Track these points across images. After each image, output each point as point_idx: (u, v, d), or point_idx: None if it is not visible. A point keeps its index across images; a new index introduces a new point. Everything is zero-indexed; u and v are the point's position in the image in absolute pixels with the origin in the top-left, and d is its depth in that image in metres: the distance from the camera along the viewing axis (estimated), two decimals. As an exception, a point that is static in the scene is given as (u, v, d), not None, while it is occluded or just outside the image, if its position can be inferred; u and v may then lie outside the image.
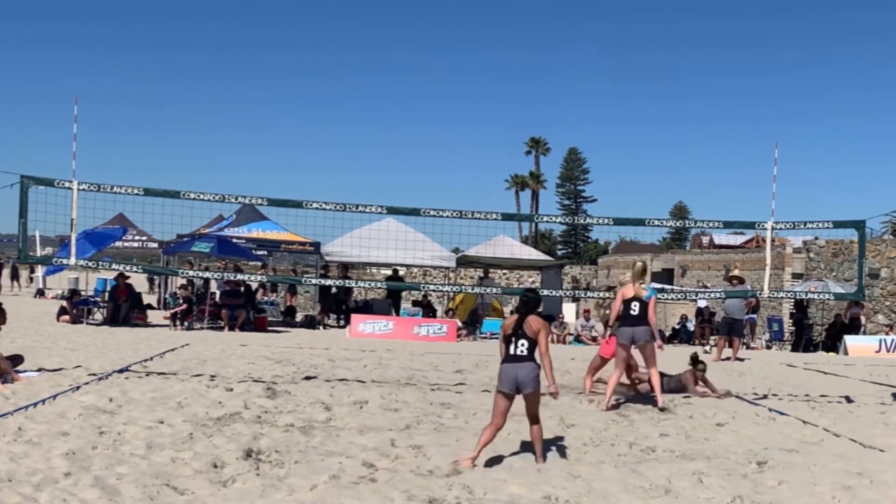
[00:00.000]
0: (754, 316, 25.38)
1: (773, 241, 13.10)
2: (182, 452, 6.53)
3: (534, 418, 6.78)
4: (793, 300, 24.82)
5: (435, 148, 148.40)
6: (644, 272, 10.23)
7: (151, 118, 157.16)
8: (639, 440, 7.80)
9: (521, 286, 50.25)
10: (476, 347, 18.33)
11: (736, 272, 19.48)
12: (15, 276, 37.07)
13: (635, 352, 10.14)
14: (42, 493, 5.22)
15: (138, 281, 27.93)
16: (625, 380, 10.60)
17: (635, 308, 9.81)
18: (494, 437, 6.72)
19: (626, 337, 9.81)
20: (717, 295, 16.99)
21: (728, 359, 17.06)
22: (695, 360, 11.25)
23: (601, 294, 17.37)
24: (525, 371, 6.59)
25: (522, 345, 6.65)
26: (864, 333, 22.74)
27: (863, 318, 23.27)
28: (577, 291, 24.67)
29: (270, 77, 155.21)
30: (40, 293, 31.83)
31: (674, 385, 11.01)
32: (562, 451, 7.20)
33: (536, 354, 6.66)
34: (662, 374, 11.15)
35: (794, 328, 24.59)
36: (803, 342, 23.14)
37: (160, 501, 5.28)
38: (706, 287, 33.45)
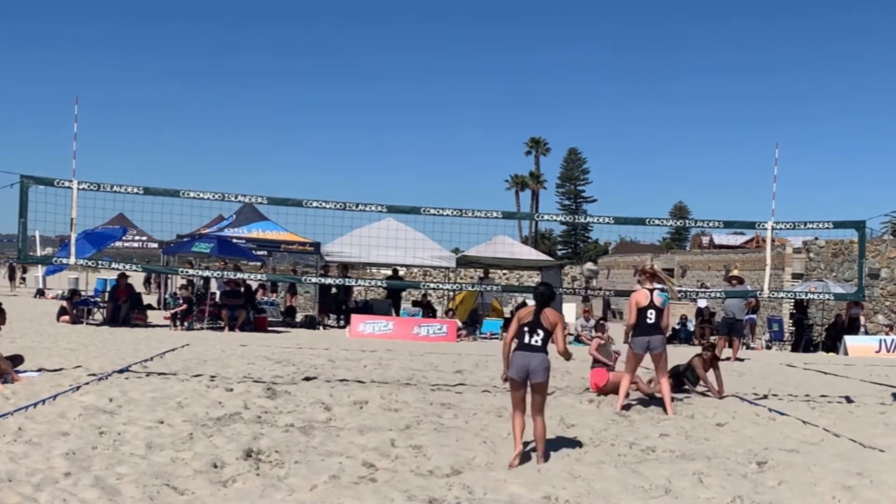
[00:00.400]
0: (754, 316, 25.38)
1: (773, 241, 13.08)
2: (182, 452, 6.52)
3: (539, 412, 6.85)
4: (793, 300, 24.83)
5: (435, 148, 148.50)
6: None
7: (152, 118, 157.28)
8: (639, 440, 7.80)
9: (521, 286, 50.23)
10: (476, 347, 18.33)
11: (735, 272, 19.52)
12: (11, 276, 36.98)
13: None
14: (42, 493, 5.22)
15: (135, 281, 27.97)
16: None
17: (651, 316, 9.73)
18: (524, 420, 6.85)
19: (641, 346, 9.73)
20: (717, 294, 16.99)
21: (728, 359, 17.07)
22: (707, 347, 11.32)
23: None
24: (537, 360, 6.78)
25: (538, 334, 6.86)
26: (866, 333, 22.76)
27: (862, 319, 23.28)
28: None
29: (270, 79, 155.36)
30: (40, 293, 31.82)
31: (685, 370, 11.05)
32: (562, 452, 7.19)
33: (550, 347, 6.85)
34: (676, 367, 11.20)
35: (794, 328, 24.58)
36: (803, 342, 23.14)
37: (160, 501, 5.28)
38: (706, 287, 33.42)
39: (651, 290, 9.84)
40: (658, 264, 48.04)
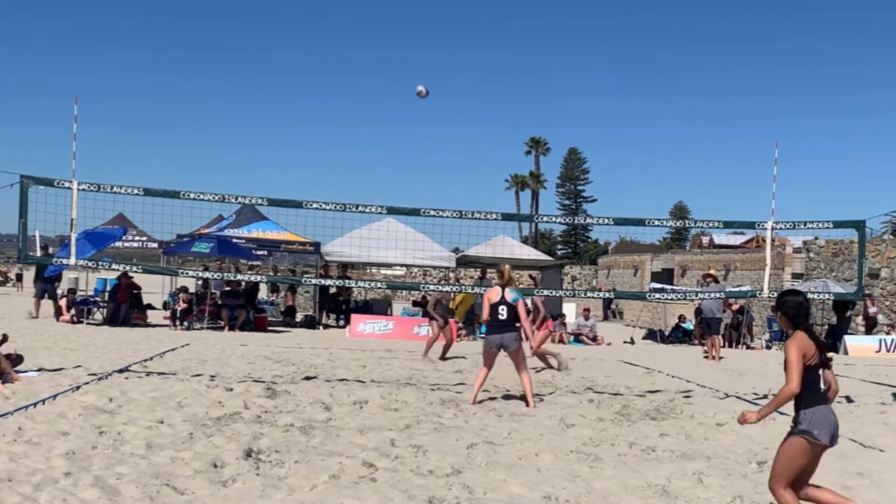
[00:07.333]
0: (752, 316, 25.42)
1: (773, 240, 13.09)
2: (182, 452, 6.52)
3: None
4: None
5: (435, 147, 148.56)
6: (514, 277, 10.11)
7: (152, 117, 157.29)
8: (639, 440, 7.80)
9: (521, 286, 50.21)
10: (476, 347, 18.29)
11: (711, 271, 19.57)
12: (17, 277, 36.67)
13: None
14: (42, 493, 5.22)
15: (154, 281, 27.95)
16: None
17: (503, 312, 9.66)
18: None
19: (493, 344, 9.72)
20: (716, 295, 17.09)
21: (713, 357, 17.22)
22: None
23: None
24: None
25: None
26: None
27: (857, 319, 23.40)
28: (576, 291, 24.71)
29: (270, 75, 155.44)
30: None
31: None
32: (561, 451, 7.19)
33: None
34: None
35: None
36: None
37: (160, 501, 5.28)
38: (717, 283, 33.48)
39: (503, 287, 9.80)
40: (658, 264, 47.98)
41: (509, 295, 9.74)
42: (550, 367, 13.28)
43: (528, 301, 14.30)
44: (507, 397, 10.21)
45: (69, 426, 7.24)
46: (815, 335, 4.93)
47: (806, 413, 4.90)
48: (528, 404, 9.60)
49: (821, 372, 4.92)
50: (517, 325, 9.76)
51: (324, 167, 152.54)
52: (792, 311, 4.97)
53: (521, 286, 18.17)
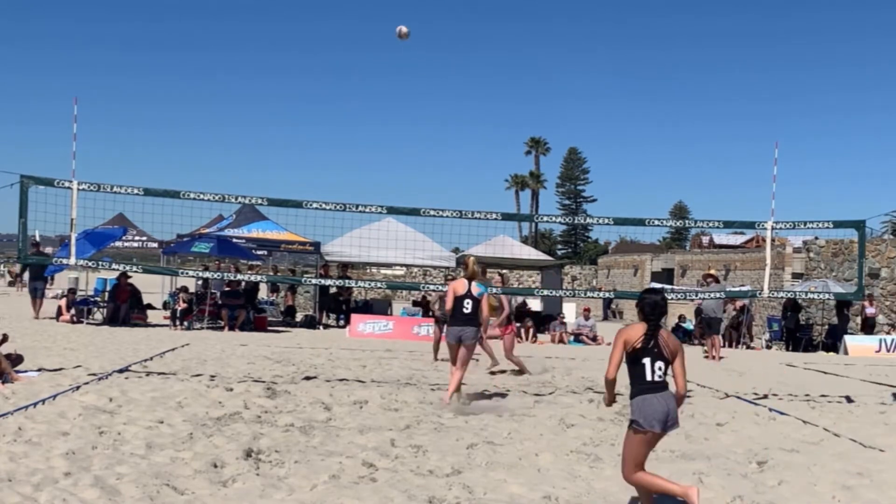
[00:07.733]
0: (752, 315, 25.44)
1: (773, 240, 13.10)
2: (182, 452, 6.52)
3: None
4: (782, 305, 24.97)
5: (435, 148, 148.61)
6: (477, 270, 10.05)
7: (152, 117, 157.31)
8: (639, 440, 7.79)
9: (521, 286, 50.29)
10: (476, 348, 18.30)
11: (712, 271, 19.60)
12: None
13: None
14: (42, 493, 5.21)
15: (154, 281, 27.91)
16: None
17: (468, 306, 9.64)
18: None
19: (452, 336, 9.69)
20: (717, 295, 17.09)
21: (712, 357, 17.21)
22: None
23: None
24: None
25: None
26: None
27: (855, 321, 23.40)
28: (576, 290, 24.69)
29: (271, 76, 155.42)
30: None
31: None
32: (561, 451, 7.18)
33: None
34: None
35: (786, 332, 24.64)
36: (802, 343, 23.16)
37: (160, 501, 5.28)
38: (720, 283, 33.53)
39: (469, 280, 9.74)
40: (658, 264, 47.96)
41: (476, 289, 9.73)
42: (522, 372, 12.80)
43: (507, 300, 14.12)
44: (506, 397, 10.21)
45: (69, 426, 7.24)
46: (654, 330, 5.22)
47: (631, 404, 5.25)
48: (444, 398, 9.49)
49: (646, 361, 5.17)
50: (480, 320, 9.76)
51: (324, 167, 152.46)
52: (647, 307, 5.31)
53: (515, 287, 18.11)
